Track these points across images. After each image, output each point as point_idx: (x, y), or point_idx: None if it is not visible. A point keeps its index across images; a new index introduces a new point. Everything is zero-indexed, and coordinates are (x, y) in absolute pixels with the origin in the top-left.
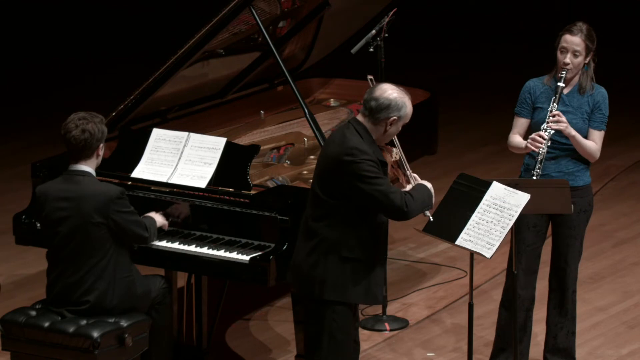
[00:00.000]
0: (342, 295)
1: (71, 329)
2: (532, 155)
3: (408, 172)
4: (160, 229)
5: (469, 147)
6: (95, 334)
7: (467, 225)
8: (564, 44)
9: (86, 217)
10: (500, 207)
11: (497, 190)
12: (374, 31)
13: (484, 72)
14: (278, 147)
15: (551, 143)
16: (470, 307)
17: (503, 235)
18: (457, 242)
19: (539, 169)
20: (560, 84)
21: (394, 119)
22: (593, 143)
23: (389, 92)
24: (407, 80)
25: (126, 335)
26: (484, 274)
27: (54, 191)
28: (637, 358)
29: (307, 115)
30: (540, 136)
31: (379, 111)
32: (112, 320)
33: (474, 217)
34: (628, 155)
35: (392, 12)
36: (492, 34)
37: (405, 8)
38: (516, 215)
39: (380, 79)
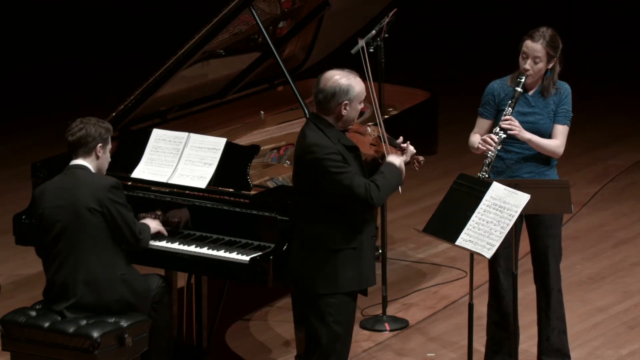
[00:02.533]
0: (335, 287)
1: (71, 329)
2: (501, 157)
3: (397, 142)
4: (159, 233)
5: (469, 147)
6: (95, 334)
7: (467, 226)
8: (524, 50)
9: (82, 203)
10: (500, 208)
11: (497, 191)
12: (374, 31)
13: (484, 72)
14: (278, 147)
15: (519, 144)
16: (471, 307)
17: (503, 236)
18: (457, 243)
19: (485, 172)
20: (518, 89)
21: (346, 103)
22: (553, 140)
23: (333, 79)
24: (407, 81)
25: (126, 336)
26: (484, 274)
27: (51, 186)
28: (637, 358)
29: (307, 116)
30: (491, 138)
31: (328, 101)
32: (112, 320)
33: (474, 217)
34: (628, 156)
35: (392, 13)
36: (492, 34)
37: (405, 8)
38: (516, 215)
39: (381, 80)
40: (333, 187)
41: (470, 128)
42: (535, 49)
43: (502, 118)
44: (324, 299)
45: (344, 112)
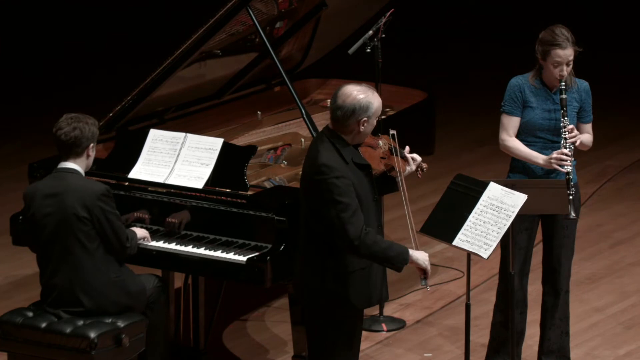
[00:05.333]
0: (345, 308)
1: (68, 330)
2: (531, 168)
3: (409, 156)
4: (156, 232)
5: (466, 147)
6: (92, 335)
7: (464, 226)
8: (557, 59)
9: (70, 210)
10: (497, 208)
11: (494, 191)
12: (371, 32)
13: (483, 72)
14: (275, 147)
15: (548, 145)
16: (467, 307)
17: (500, 236)
18: (454, 243)
19: (573, 189)
20: (563, 96)
21: (364, 120)
22: (588, 135)
23: (352, 95)
24: (405, 81)
25: (123, 336)
26: (481, 274)
27: (41, 189)
28: (634, 359)
29: (304, 116)
30: (565, 154)
31: (347, 118)
32: (109, 320)
33: (471, 217)
34: (626, 156)
35: (389, 13)
36: (492, 34)
37: (403, 8)
38: (513, 215)
39: (378, 80)
40: (330, 212)
41: (467, 128)
42: (568, 55)
43: (564, 129)
44: (335, 320)
45: (361, 128)
